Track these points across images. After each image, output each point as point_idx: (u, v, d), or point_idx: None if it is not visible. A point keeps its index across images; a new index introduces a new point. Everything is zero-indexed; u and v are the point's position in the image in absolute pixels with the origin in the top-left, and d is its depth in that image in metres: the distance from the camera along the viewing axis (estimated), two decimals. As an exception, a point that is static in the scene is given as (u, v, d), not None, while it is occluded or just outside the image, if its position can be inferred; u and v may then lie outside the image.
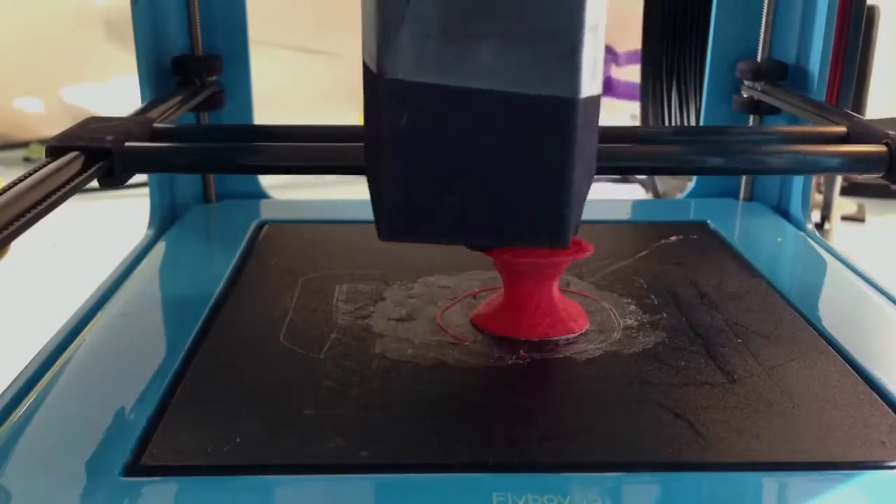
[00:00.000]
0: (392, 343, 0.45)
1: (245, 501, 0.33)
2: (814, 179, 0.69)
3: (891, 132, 0.47)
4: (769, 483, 0.34)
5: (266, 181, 0.75)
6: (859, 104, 0.98)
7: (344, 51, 1.86)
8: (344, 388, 0.40)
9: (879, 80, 1.10)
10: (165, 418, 0.38)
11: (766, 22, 0.68)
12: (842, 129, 0.51)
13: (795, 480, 0.34)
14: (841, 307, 0.52)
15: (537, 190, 0.36)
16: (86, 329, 0.48)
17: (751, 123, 0.70)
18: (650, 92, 0.94)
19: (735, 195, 0.73)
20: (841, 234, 1.27)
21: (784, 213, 0.70)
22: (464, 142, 0.36)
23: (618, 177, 1.42)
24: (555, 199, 0.36)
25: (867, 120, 0.51)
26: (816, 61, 0.65)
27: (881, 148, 0.46)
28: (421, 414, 0.39)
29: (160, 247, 0.62)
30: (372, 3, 0.35)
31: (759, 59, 0.69)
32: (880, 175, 0.46)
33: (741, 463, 0.35)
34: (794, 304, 0.50)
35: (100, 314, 0.50)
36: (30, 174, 0.39)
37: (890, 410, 0.39)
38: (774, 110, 0.67)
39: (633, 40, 0.95)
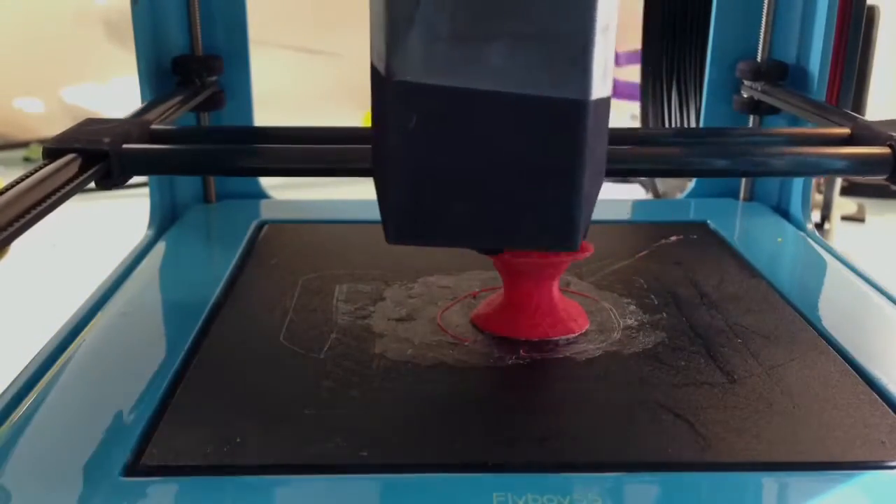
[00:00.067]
0: (392, 343, 0.45)
1: (245, 501, 0.33)
2: (814, 179, 0.69)
3: (894, 134, 0.46)
4: (769, 483, 0.34)
5: (266, 181, 0.75)
6: (859, 104, 0.98)
7: (344, 51, 1.86)
8: (344, 388, 0.40)
9: (879, 80, 1.10)
10: (165, 418, 0.38)
11: (766, 22, 0.68)
12: (845, 130, 0.51)
13: (795, 480, 0.34)
14: (841, 307, 0.52)
15: (546, 193, 0.36)
16: (86, 329, 0.48)
17: (751, 123, 0.70)
18: (650, 92, 0.94)
19: (735, 195, 0.73)
20: (841, 234, 1.27)
21: (784, 213, 0.70)
22: (473, 144, 0.35)
23: (617, 176, 1.42)
24: (564, 202, 0.36)
25: (870, 121, 0.51)
26: (816, 61, 0.65)
27: (885, 150, 0.46)
28: (421, 414, 0.39)
29: (160, 247, 0.62)
30: (381, 3, 0.34)
31: (759, 59, 0.69)
32: (884, 177, 0.46)
33: (741, 463, 0.35)
34: (794, 304, 0.50)
35: (100, 314, 0.50)
36: (27, 176, 0.38)
37: (890, 410, 0.39)
38: (774, 110, 0.67)
39: (633, 40, 0.95)
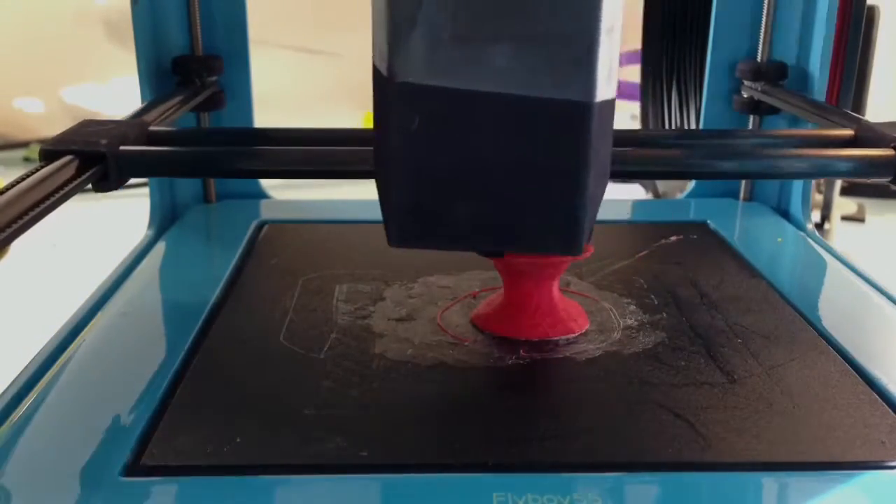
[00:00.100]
0: (392, 343, 0.45)
1: (245, 501, 0.33)
2: (814, 180, 0.69)
3: None
4: (769, 483, 0.34)
5: (266, 181, 0.75)
6: (859, 104, 0.98)
7: (344, 51, 1.86)
8: (344, 388, 0.40)
9: (879, 80, 1.10)
10: (165, 418, 0.38)
11: (766, 22, 0.68)
12: (849, 132, 0.51)
13: (795, 480, 0.34)
14: (841, 307, 0.52)
15: (550, 195, 0.35)
16: (86, 329, 0.48)
17: (751, 124, 0.70)
18: (650, 92, 0.94)
19: (735, 195, 0.73)
20: (841, 234, 1.27)
21: (784, 213, 0.70)
22: (475, 146, 0.35)
23: (620, 178, 1.41)
24: (568, 205, 0.35)
25: (874, 123, 0.51)
26: (816, 61, 0.65)
27: (890, 152, 0.46)
28: (421, 414, 0.39)
29: (160, 247, 0.62)
30: (383, 5, 0.34)
31: (759, 59, 0.69)
32: (888, 180, 0.46)
33: (741, 463, 0.35)
34: (794, 304, 0.50)
35: (100, 314, 0.50)
36: (23, 178, 0.38)
37: (890, 410, 0.39)
38: (774, 110, 0.67)
39: (633, 40, 0.95)
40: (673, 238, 0.62)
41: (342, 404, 0.39)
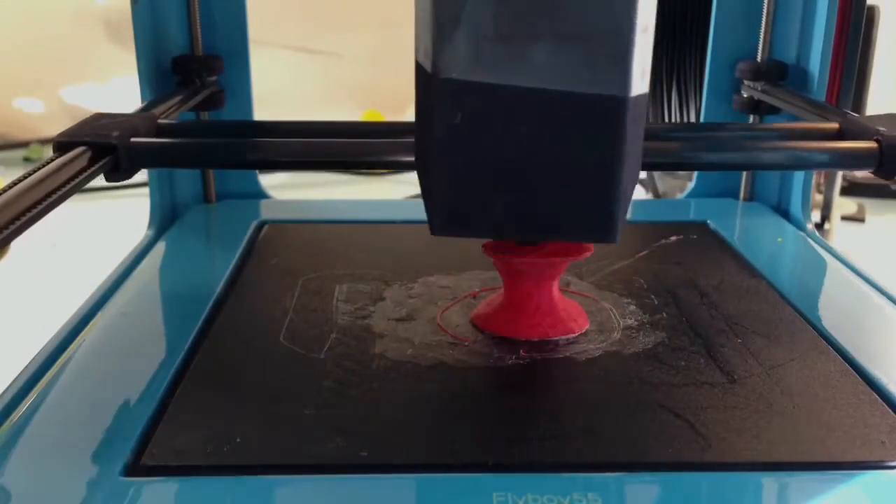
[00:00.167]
0: (392, 343, 0.45)
1: (245, 501, 0.33)
2: (814, 179, 0.69)
3: (881, 128, 0.47)
4: (769, 483, 0.34)
5: (266, 181, 0.75)
6: (859, 104, 0.98)
7: (344, 51, 1.86)
8: (344, 388, 0.40)
9: (879, 80, 1.10)
10: (165, 418, 0.38)
11: (766, 22, 0.68)
12: (833, 125, 0.52)
13: (795, 480, 0.34)
14: (841, 307, 0.52)
15: (587, 186, 0.37)
16: (86, 329, 0.48)
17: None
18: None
19: (735, 195, 0.73)
20: (841, 234, 1.26)
21: (784, 213, 0.70)
22: (515, 139, 0.36)
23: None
24: (604, 194, 0.37)
25: (859, 116, 0.51)
26: (816, 61, 0.65)
27: (872, 144, 0.47)
28: (421, 414, 0.39)
29: (160, 247, 0.62)
30: (428, 4, 0.36)
31: (759, 59, 0.69)
32: (871, 170, 0.47)
33: (741, 463, 0.35)
34: (794, 304, 0.50)
35: (100, 314, 0.50)
36: (38, 169, 0.40)
37: (890, 410, 0.39)
38: (774, 110, 0.67)
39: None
40: (673, 238, 0.62)
41: (342, 404, 0.39)
